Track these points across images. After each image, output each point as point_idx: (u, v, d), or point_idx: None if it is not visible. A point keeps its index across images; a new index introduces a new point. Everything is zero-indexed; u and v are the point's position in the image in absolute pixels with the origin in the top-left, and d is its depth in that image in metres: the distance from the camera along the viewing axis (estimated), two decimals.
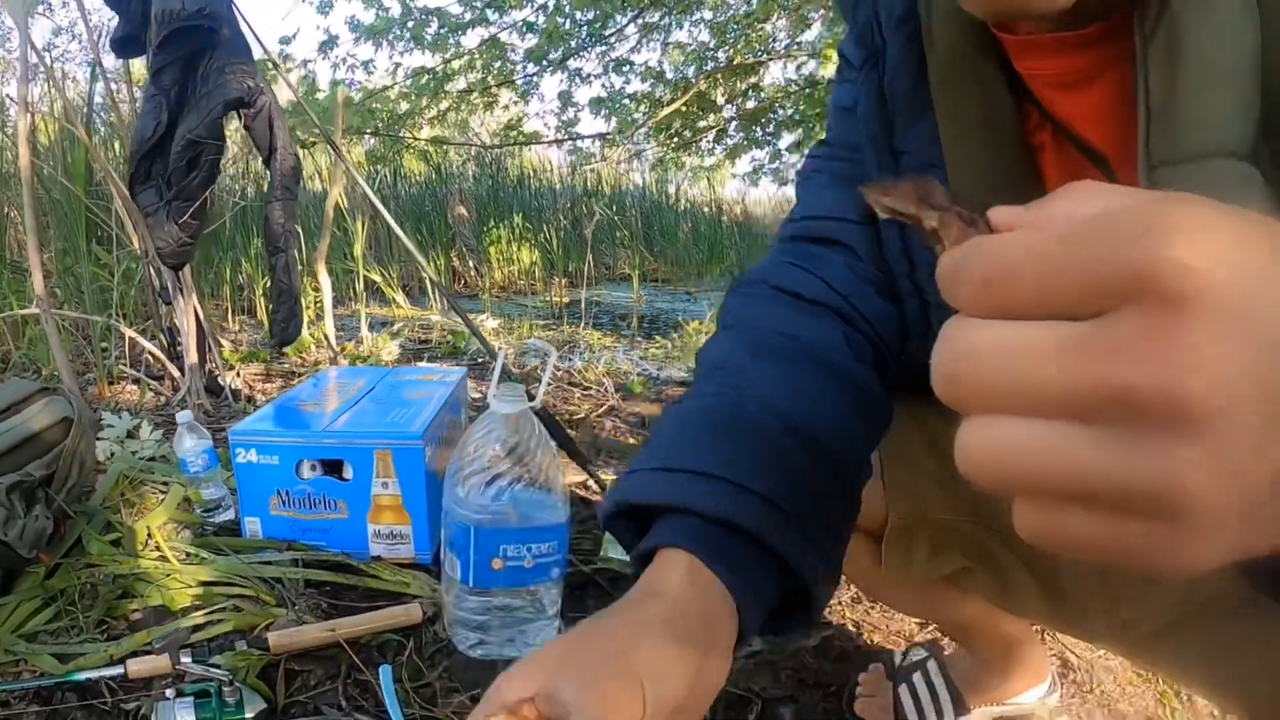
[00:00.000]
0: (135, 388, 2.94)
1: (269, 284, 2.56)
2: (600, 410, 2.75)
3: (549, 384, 1.48)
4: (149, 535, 1.90)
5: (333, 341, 3.28)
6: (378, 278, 4.78)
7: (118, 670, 1.39)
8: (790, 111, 6.95)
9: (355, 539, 1.72)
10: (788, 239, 0.89)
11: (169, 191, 2.40)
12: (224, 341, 3.60)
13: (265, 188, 2.67)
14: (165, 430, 2.49)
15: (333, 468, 1.74)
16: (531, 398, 1.36)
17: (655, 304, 5.22)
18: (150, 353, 2.87)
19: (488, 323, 4.15)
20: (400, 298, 4.86)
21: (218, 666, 1.35)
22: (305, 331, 3.33)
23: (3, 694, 1.36)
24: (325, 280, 3.18)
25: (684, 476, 0.65)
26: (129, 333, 2.88)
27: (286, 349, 3.18)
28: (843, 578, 1.12)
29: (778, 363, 0.75)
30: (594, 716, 0.50)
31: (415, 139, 6.91)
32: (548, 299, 5.47)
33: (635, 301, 5.10)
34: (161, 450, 2.36)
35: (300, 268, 3.22)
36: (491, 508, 1.28)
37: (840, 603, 1.66)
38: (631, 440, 2.43)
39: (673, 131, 7.06)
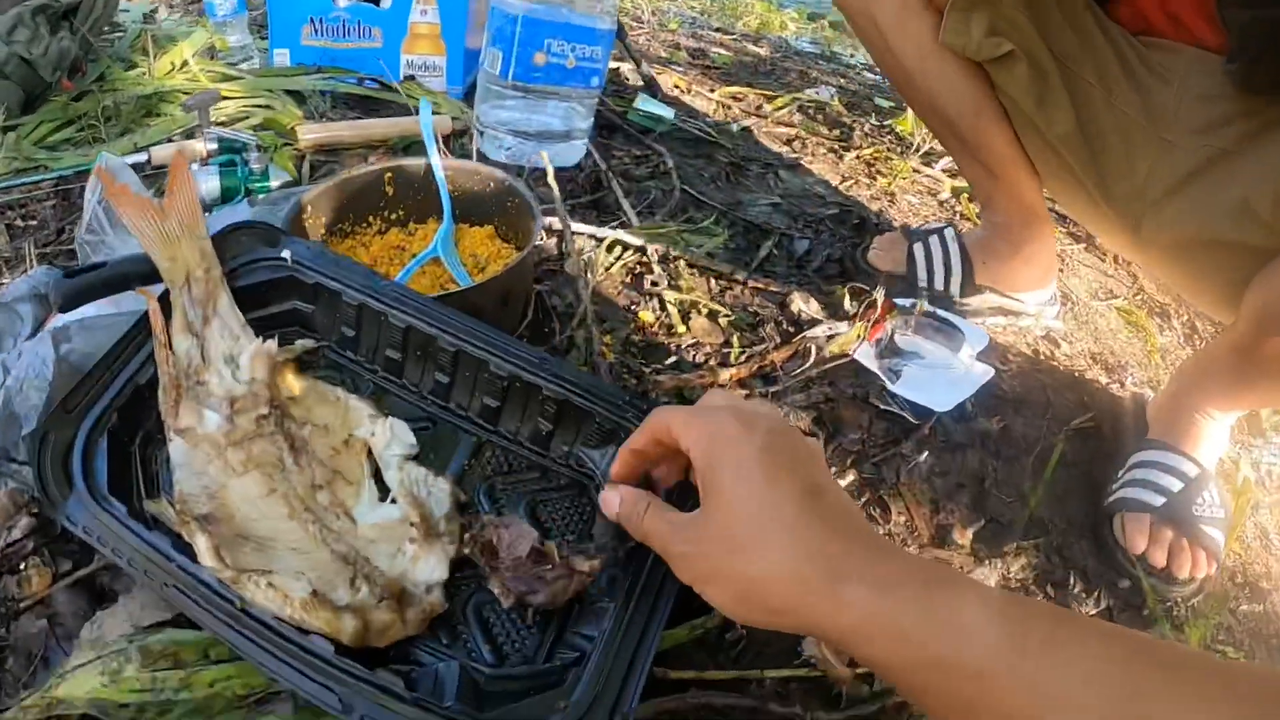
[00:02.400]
0: None
1: None
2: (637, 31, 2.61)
3: None
4: (173, 65, 1.81)
5: None
6: None
7: (141, 157, 1.35)
8: None
9: (388, 69, 1.64)
10: None
11: None
12: None
13: None
14: (185, 10, 2.34)
15: None
16: None
17: None
18: None
19: None
20: None
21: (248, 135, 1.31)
22: None
23: (22, 193, 1.34)
24: None
25: None
26: None
27: None
28: None
29: None
30: None
31: None
32: None
33: None
34: (181, 28, 2.22)
35: None
36: None
37: (857, 182, 1.63)
38: (663, 53, 2.30)
39: None
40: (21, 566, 0.78)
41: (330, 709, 0.60)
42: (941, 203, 1.67)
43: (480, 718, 0.61)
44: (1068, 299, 1.47)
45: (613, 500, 0.62)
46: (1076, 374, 1.25)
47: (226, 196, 1.26)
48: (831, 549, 0.50)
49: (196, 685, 0.66)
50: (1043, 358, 1.27)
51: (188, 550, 0.66)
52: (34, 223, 1.29)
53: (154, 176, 1.35)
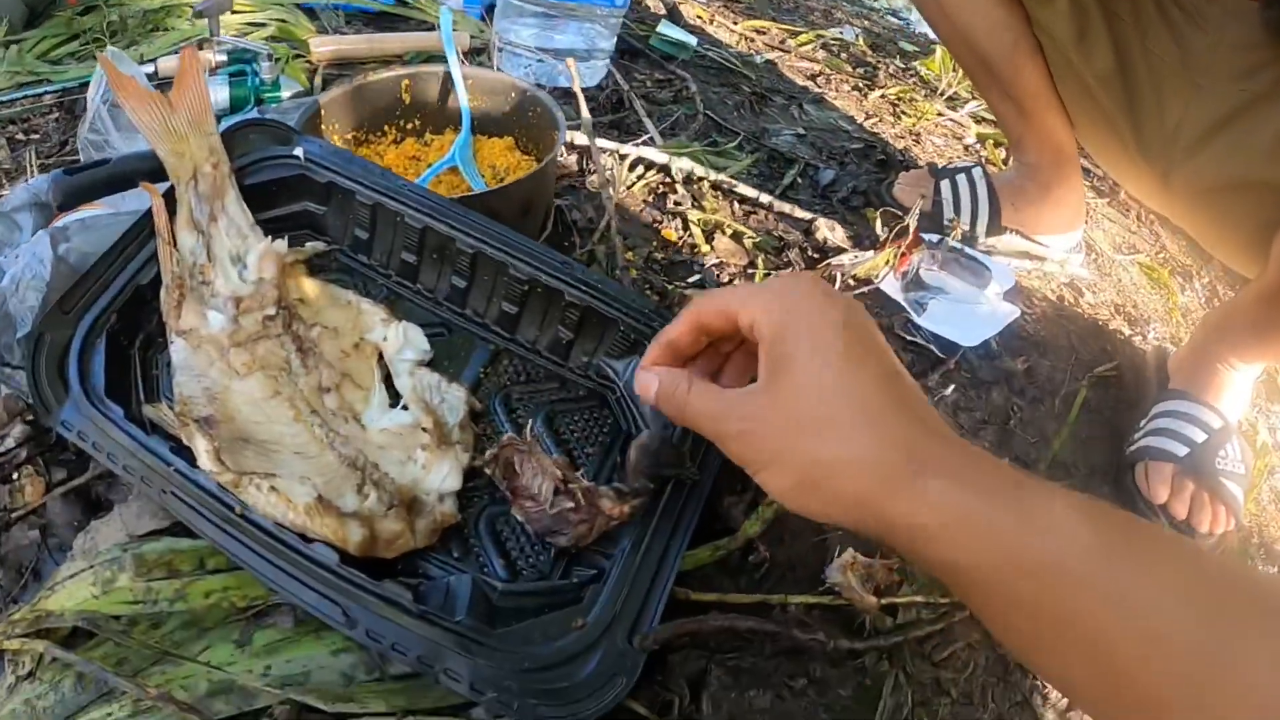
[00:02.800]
0: None
1: None
2: None
3: None
4: None
5: None
6: None
7: (148, 69, 1.27)
8: None
9: None
10: None
11: None
12: None
13: None
14: None
15: None
16: None
17: None
18: None
19: None
20: None
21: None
22: None
23: (24, 106, 1.26)
24: None
25: None
26: None
27: None
28: None
29: None
30: None
31: None
32: None
33: None
34: None
35: None
36: None
37: (882, 120, 1.56)
38: None
39: None
40: (14, 476, 0.73)
41: (333, 622, 0.56)
42: (967, 147, 1.60)
43: (493, 634, 0.56)
44: (1091, 250, 1.42)
45: (649, 382, 0.54)
46: (1100, 323, 1.20)
47: (236, 106, 1.20)
48: (917, 440, 0.44)
49: (192, 596, 0.61)
50: (1066, 304, 1.22)
51: (186, 455, 0.61)
52: (36, 136, 1.23)
53: (161, 89, 1.28)
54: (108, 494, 0.72)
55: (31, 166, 1.13)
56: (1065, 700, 0.76)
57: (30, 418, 0.75)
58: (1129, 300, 1.29)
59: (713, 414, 0.50)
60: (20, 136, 1.22)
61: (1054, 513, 0.41)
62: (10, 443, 0.74)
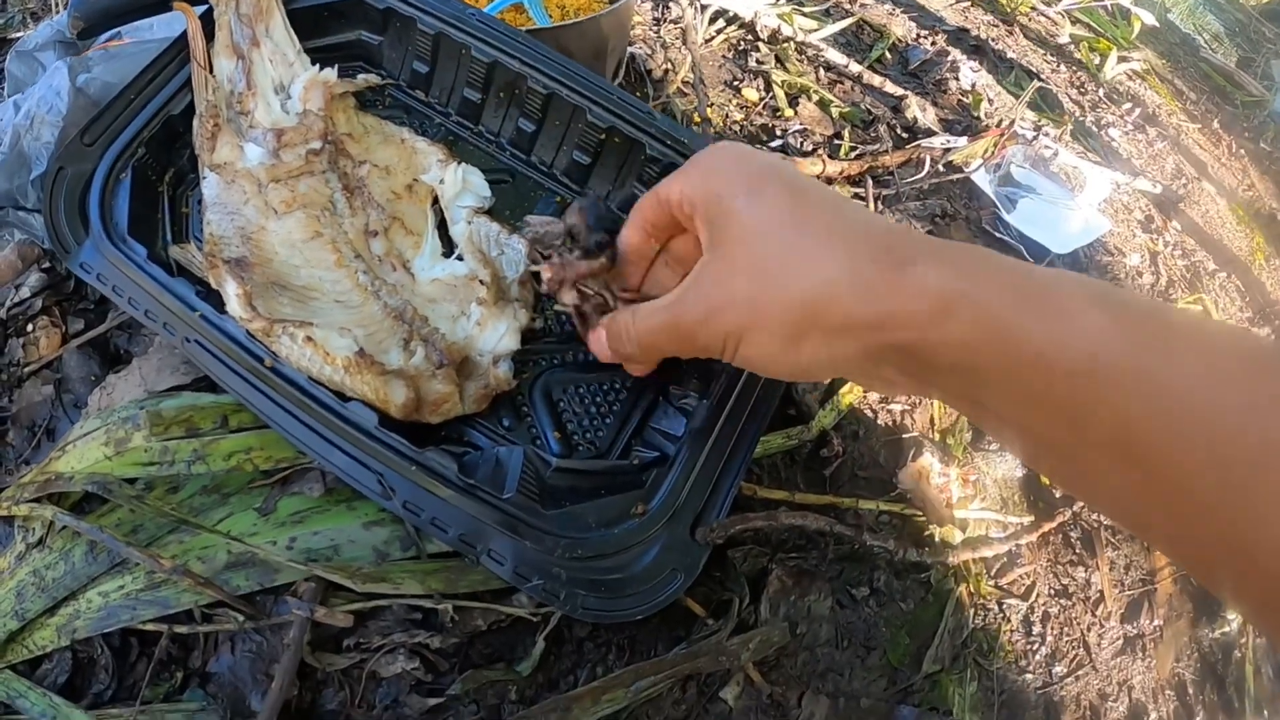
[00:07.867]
0: None
1: None
2: None
3: None
4: None
5: None
6: None
7: None
8: None
9: None
10: None
11: None
12: None
13: None
14: None
15: None
16: None
17: None
18: None
19: None
20: None
21: None
22: None
23: None
24: None
25: None
26: None
27: None
28: None
29: None
30: None
31: None
32: None
33: None
34: None
35: None
36: None
37: (975, 3, 1.41)
38: None
39: None
40: (29, 328, 0.65)
41: (368, 491, 0.48)
42: (1059, 47, 1.44)
43: (543, 515, 0.48)
44: (1181, 174, 1.28)
45: (598, 340, 0.49)
46: (1185, 251, 1.07)
47: None
48: (887, 237, 0.37)
49: (213, 457, 0.54)
50: (1155, 227, 1.10)
51: (214, 300, 0.52)
52: None
53: None
54: (127, 346, 0.64)
55: (58, 5, 1.02)
56: (1120, 639, 0.69)
57: (47, 265, 0.67)
58: (1215, 232, 1.16)
59: (668, 318, 0.44)
60: None
61: (1056, 294, 0.33)
62: (25, 292, 0.66)
